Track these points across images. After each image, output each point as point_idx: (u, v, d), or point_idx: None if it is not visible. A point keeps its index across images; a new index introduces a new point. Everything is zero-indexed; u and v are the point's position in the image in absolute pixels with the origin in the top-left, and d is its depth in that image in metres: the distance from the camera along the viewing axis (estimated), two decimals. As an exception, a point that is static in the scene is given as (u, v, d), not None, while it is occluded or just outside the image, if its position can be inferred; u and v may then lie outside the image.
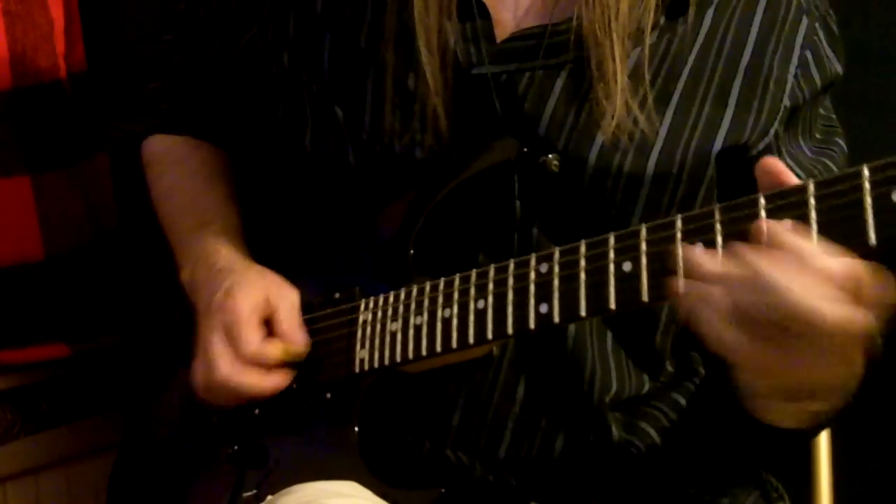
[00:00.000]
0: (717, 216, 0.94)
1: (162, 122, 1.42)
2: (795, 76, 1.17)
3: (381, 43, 1.20)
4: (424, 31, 1.16)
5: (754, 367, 0.95)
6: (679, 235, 0.96)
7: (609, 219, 1.14)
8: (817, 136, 1.23)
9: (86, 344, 1.70)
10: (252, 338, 1.18)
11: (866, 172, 0.88)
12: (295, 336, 1.19)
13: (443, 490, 1.15)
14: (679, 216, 0.96)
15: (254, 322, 1.19)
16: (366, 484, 1.15)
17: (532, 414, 1.19)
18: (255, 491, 1.21)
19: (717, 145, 1.15)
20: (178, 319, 1.35)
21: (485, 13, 1.18)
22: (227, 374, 1.18)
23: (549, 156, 1.14)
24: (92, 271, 1.69)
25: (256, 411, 1.24)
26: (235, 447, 1.25)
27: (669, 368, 1.25)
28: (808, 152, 1.21)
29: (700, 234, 0.95)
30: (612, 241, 1.00)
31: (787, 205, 0.91)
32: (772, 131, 1.17)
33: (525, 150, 1.15)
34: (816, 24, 1.19)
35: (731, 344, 0.92)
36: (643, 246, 0.98)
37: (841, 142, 1.24)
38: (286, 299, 1.21)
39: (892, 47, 1.28)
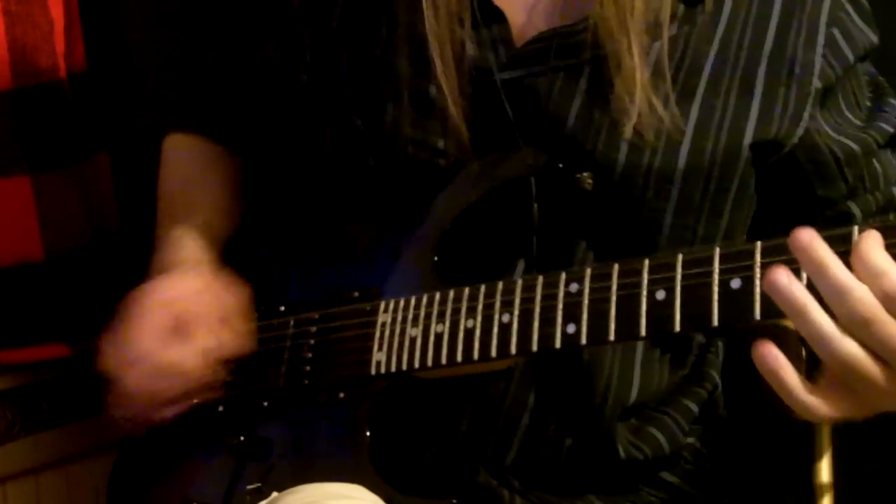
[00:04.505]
0: (758, 255, 0.94)
1: (170, 114, 1.42)
2: (824, 56, 1.16)
3: (395, 53, 1.19)
4: (436, 40, 1.15)
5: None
6: (717, 270, 0.96)
7: (640, 217, 1.14)
8: (867, 104, 1.22)
9: (86, 344, 1.69)
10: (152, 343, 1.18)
11: None
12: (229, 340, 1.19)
13: (454, 501, 1.15)
14: (717, 250, 0.96)
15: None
16: (372, 487, 1.15)
17: (541, 423, 1.19)
18: (258, 484, 1.20)
19: (747, 137, 1.15)
20: None
21: (501, 18, 1.17)
22: (148, 348, 1.18)
23: (584, 173, 1.14)
24: (92, 271, 1.69)
25: (265, 403, 1.23)
26: (241, 438, 1.24)
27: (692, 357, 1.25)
28: (856, 121, 1.20)
29: (739, 272, 0.95)
30: (646, 267, 1.00)
31: (841, 254, 0.90)
32: (805, 115, 1.16)
33: (560, 165, 1.14)
34: (843, 0, 1.18)
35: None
36: (678, 276, 0.98)
37: (894, 101, 1.24)
38: (231, 298, 1.21)
39: (893, 47, 1.27)
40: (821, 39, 1.16)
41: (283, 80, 1.28)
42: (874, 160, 1.21)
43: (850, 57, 1.18)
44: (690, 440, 1.25)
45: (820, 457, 1.43)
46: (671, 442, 1.22)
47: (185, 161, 1.40)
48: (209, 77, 1.37)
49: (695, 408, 1.25)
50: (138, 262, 1.69)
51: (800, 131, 1.16)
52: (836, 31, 1.17)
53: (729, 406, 1.26)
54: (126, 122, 1.52)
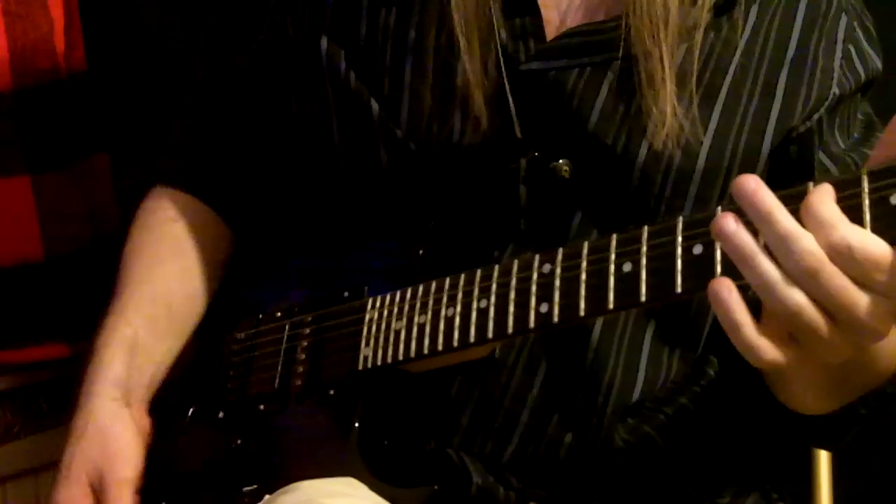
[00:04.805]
0: None
1: (167, 167, 1.39)
2: (841, 67, 1.18)
3: (423, 34, 1.19)
4: (463, 21, 1.15)
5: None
6: (680, 239, 0.96)
7: (658, 214, 1.15)
8: (855, 134, 1.23)
9: (86, 344, 1.69)
10: None
11: (866, 178, 0.88)
12: None
13: (436, 487, 1.15)
14: (681, 219, 0.97)
15: None
16: (364, 480, 1.15)
17: (541, 419, 1.19)
18: (255, 486, 1.21)
19: (768, 138, 1.16)
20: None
21: (534, 10, 1.18)
22: None
23: (561, 161, 1.15)
24: (92, 271, 1.69)
25: (261, 406, 1.24)
26: (239, 441, 1.25)
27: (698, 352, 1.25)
28: (841, 144, 1.21)
29: (701, 238, 0.95)
30: (613, 242, 1.01)
31: (792, 211, 0.90)
32: (815, 116, 1.17)
33: (536, 154, 1.15)
34: (855, 23, 1.20)
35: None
36: (644, 248, 0.98)
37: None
38: (112, 490, 1.22)
39: (893, 48, 1.28)
40: (838, 52, 1.18)
41: (299, 57, 1.27)
42: None
43: (863, 75, 1.20)
44: (687, 438, 1.25)
45: (820, 456, 1.43)
46: (668, 440, 1.23)
47: (150, 230, 1.37)
48: (234, 83, 1.36)
49: (692, 406, 1.25)
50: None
51: (804, 127, 1.17)
52: (851, 48, 1.19)
53: (726, 404, 1.26)
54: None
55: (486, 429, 1.19)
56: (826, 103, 1.17)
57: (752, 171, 1.15)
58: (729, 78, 1.16)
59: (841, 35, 1.19)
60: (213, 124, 1.38)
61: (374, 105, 1.21)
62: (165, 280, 1.33)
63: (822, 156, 1.19)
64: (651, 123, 1.12)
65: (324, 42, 1.25)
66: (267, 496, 1.17)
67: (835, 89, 1.18)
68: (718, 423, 1.24)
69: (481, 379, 1.18)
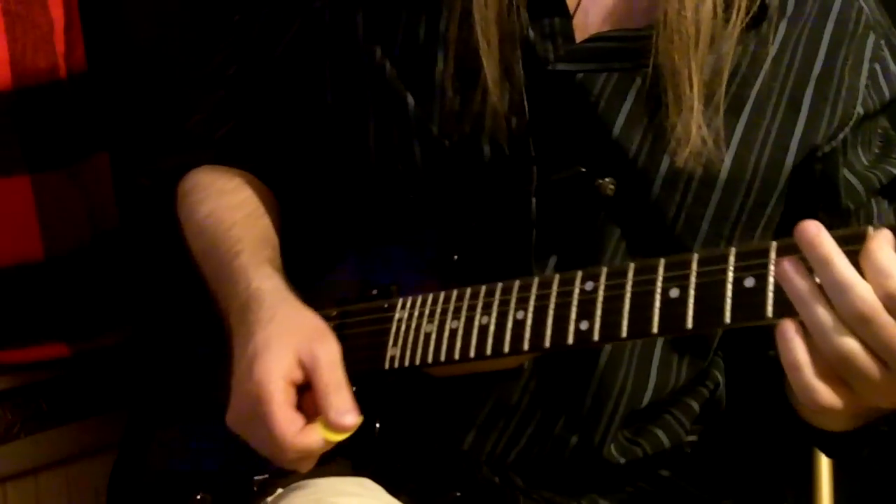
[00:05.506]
0: (773, 254, 0.95)
1: (216, 152, 1.35)
2: (866, 86, 1.19)
3: (451, 28, 1.18)
4: (483, 25, 1.15)
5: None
6: (731, 269, 0.96)
7: (676, 221, 1.16)
8: (875, 150, 1.24)
9: (86, 344, 1.69)
10: (287, 432, 1.08)
11: None
12: (341, 405, 1.09)
13: (458, 494, 1.15)
14: (733, 250, 0.97)
15: (285, 404, 1.09)
16: (379, 479, 1.15)
17: (549, 421, 1.19)
18: (266, 475, 1.20)
19: (791, 153, 1.16)
20: (191, 320, 1.34)
21: (564, 11, 1.17)
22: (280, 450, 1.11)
23: (606, 179, 1.15)
24: (92, 271, 1.69)
25: None
26: None
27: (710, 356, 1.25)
28: (864, 160, 1.22)
29: (754, 270, 0.95)
30: (661, 266, 1.00)
31: (851, 252, 0.91)
32: (840, 136, 1.18)
33: (583, 170, 1.15)
34: (882, 42, 1.20)
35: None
36: (693, 274, 0.98)
37: None
38: (324, 357, 1.11)
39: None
40: (864, 71, 1.19)
41: (333, 44, 1.25)
42: (872, 200, 1.23)
43: (887, 95, 1.20)
44: (691, 438, 1.25)
45: (821, 457, 1.43)
46: (672, 440, 1.23)
47: (230, 193, 1.31)
48: (266, 79, 1.33)
49: (697, 406, 1.25)
50: (138, 261, 1.70)
51: (829, 147, 1.18)
52: (877, 67, 1.20)
53: (730, 404, 1.26)
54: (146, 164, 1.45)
55: (501, 428, 1.20)
56: (850, 123, 1.18)
57: (775, 185, 1.17)
58: (755, 91, 1.16)
59: (868, 54, 1.19)
60: (249, 117, 1.35)
61: (410, 99, 1.21)
62: (269, 228, 1.29)
63: (846, 173, 1.20)
64: (674, 140, 1.12)
65: (360, 26, 1.24)
66: (280, 489, 1.16)
67: (859, 109, 1.18)
68: (724, 426, 1.24)
69: (501, 382, 1.18)
